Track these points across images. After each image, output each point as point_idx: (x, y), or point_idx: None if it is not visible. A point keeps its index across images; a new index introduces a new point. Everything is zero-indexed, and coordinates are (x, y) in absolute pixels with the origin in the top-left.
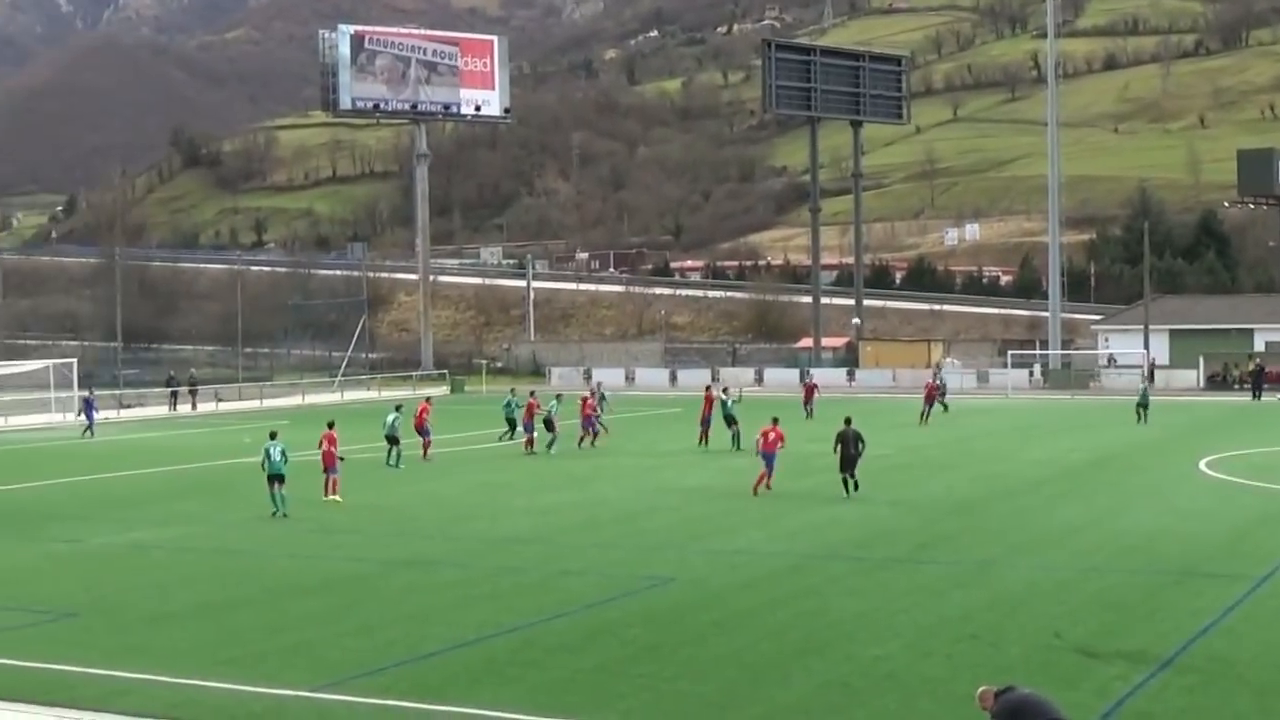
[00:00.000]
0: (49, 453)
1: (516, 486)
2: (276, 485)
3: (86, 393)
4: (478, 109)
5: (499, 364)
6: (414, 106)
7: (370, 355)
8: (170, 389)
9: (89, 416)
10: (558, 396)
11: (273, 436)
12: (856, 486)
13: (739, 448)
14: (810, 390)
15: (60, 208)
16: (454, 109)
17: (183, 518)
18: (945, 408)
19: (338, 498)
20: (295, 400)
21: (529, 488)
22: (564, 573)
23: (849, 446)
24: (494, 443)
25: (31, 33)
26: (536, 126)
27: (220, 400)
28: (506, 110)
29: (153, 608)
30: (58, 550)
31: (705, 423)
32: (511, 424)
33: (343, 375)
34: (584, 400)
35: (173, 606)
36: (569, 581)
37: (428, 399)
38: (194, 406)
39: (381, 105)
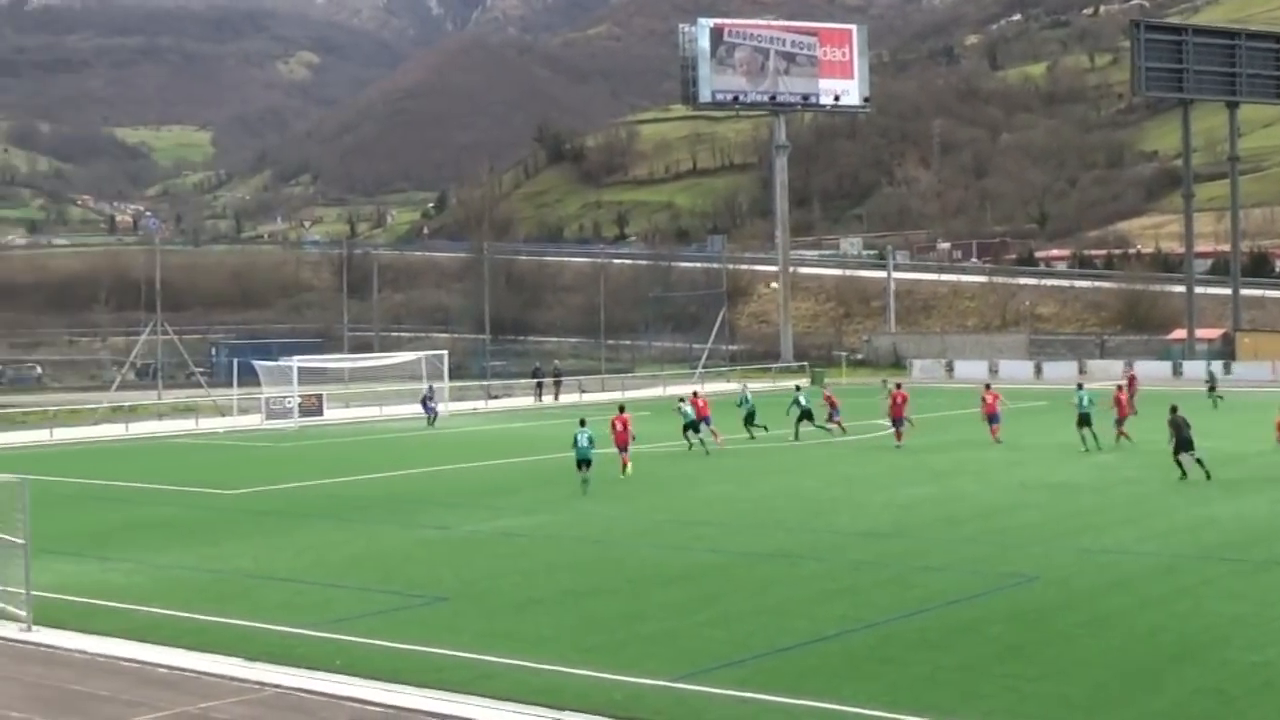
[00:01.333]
0: (421, 441)
1: (876, 480)
2: (584, 468)
3: (426, 388)
4: (837, 99)
5: (859, 356)
6: (773, 98)
7: (730, 347)
8: (535, 380)
9: (428, 409)
10: (798, 386)
11: (582, 424)
12: (1202, 465)
13: (1090, 447)
14: (1130, 383)
15: (431, 204)
16: (813, 99)
17: (547, 506)
18: (1216, 402)
19: (625, 474)
20: (656, 391)
21: (889, 482)
22: (925, 568)
23: (1182, 430)
24: (856, 435)
25: (404, 36)
26: (896, 115)
27: (584, 391)
28: (866, 99)
29: (518, 594)
30: (428, 536)
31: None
32: (806, 415)
33: (703, 367)
34: (894, 396)
35: (538, 593)
36: (929, 577)
37: (694, 393)
38: (557, 397)
39: (740, 97)
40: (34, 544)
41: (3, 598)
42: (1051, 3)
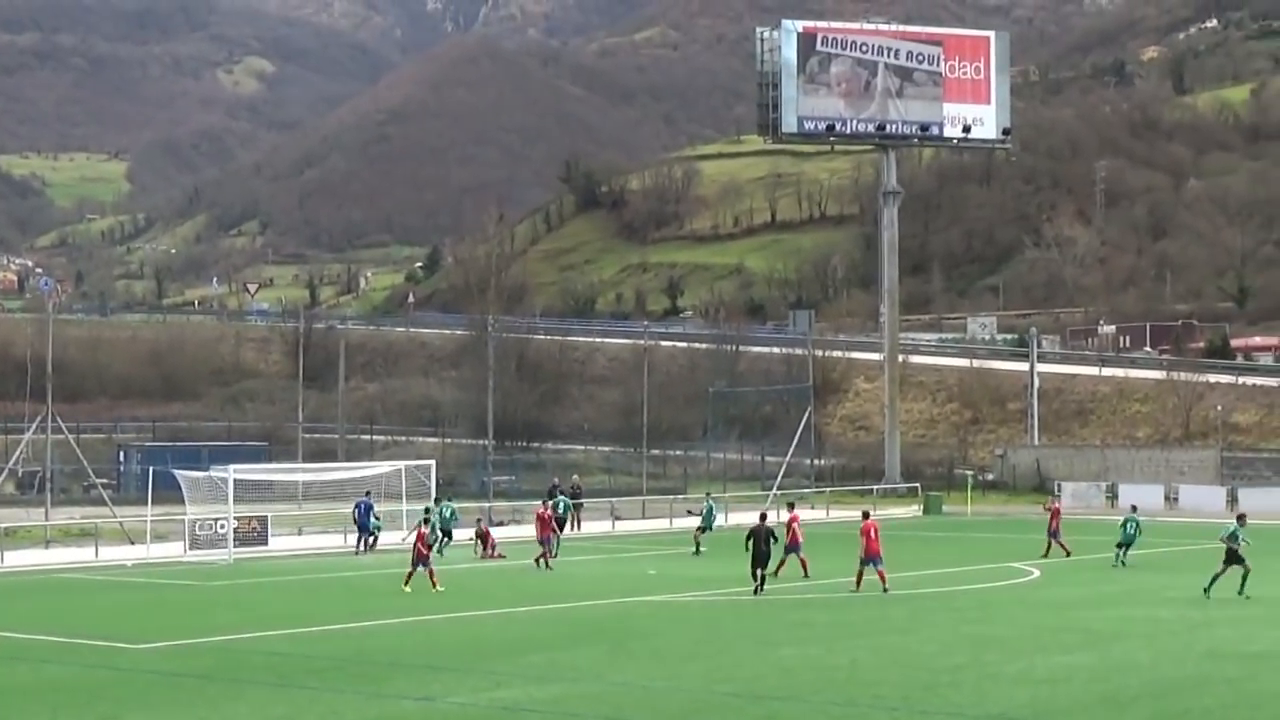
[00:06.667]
0: (397, 582)
1: (1012, 644)
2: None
3: (365, 497)
4: (967, 130)
5: (989, 475)
6: (881, 128)
7: (816, 461)
8: (552, 501)
9: (363, 526)
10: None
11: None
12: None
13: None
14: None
15: (419, 265)
16: (934, 130)
17: (566, 672)
18: None
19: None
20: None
21: (1028, 646)
22: None
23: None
24: (985, 583)
25: (388, 39)
26: (1046, 153)
27: (618, 518)
28: (1006, 131)
29: None
30: (405, 711)
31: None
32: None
33: (779, 488)
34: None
35: None
36: None
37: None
38: (577, 525)
39: (838, 126)
40: None
41: None
42: (1258, 5)
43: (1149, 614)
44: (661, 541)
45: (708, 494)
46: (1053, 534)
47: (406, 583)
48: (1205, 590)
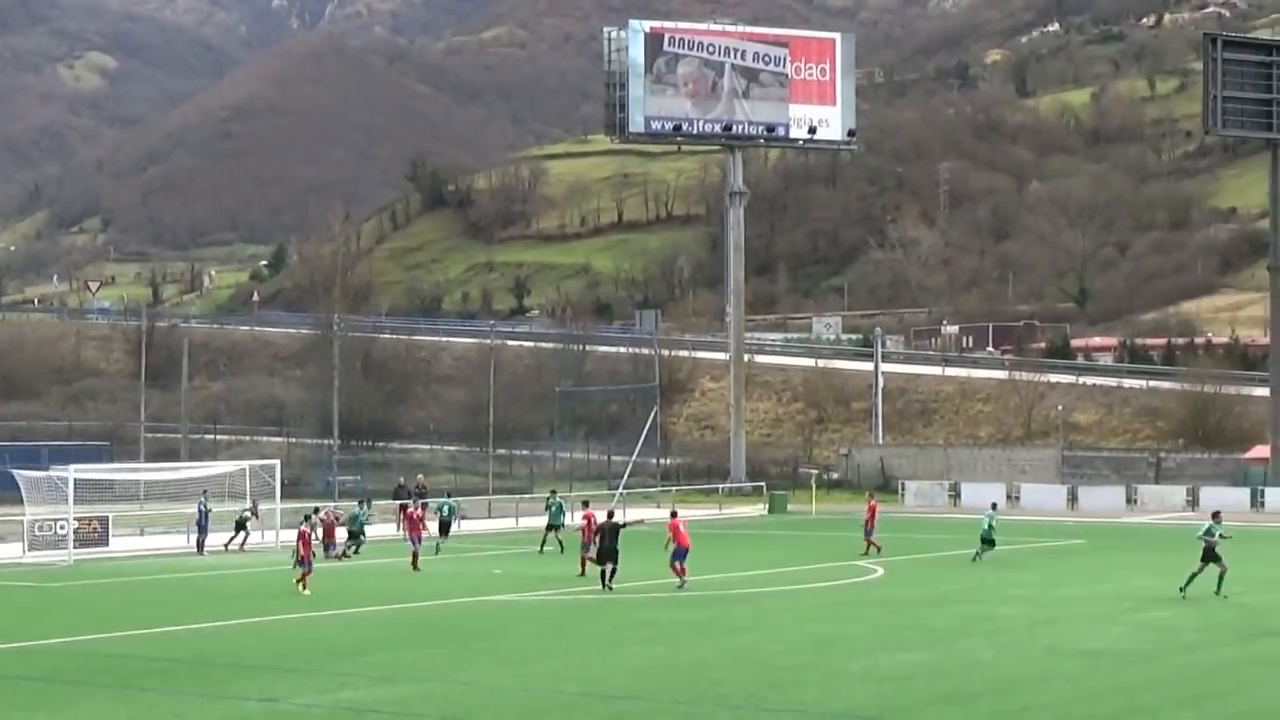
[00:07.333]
0: (241, 582)
1: (855, 643)
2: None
3: (202, 497)
4: (812, 131)
5: (834, 475)
6: (727, 128)
7: (662, 461)
8: (399, 501)
9: (201, 527)
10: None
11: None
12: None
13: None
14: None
15: (264, 263)
16: (780, 131)
17: (411, 672)
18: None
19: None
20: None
21: (871, 645)
22: None
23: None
24: (830, 581)
25: (233, 35)
26: (891, 154)
27: (464, 517)
28: (851, 133)
29: None
30: (248, 712)
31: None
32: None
33: (625, 487)
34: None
35: None
36: None
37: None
38: (424, 526)
39: (684, 127)
40: None
41: None
42: (1100, 9)
43: (991, 612)
44: (507, 541)
45: (552, 491)
46: (867, 532)
47: (303, 585)
48: (1181, 589)
